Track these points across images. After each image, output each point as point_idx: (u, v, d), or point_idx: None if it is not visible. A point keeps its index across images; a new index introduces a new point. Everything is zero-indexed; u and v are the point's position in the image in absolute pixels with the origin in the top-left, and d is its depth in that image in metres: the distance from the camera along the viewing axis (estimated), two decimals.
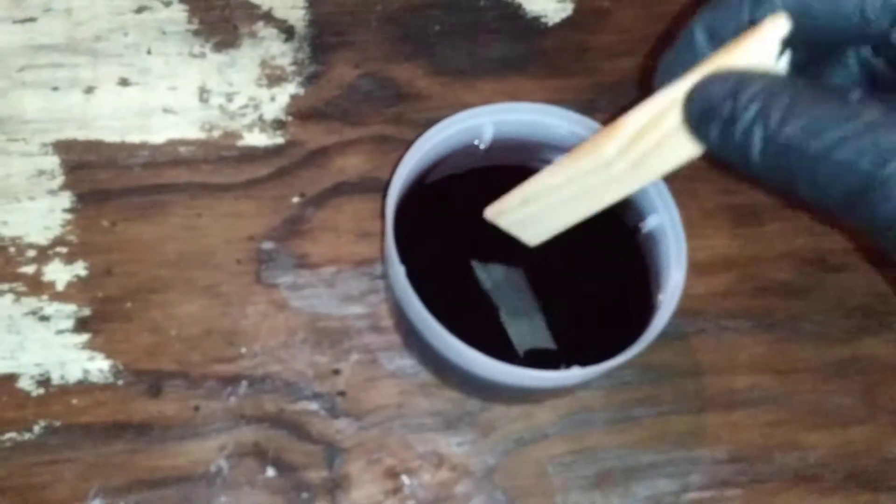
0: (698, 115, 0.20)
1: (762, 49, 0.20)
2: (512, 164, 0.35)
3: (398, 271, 0.31)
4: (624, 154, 0.23)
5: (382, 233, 0.32)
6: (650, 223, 0.34)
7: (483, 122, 0.34)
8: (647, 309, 0.34)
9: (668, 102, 0.21)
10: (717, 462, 0.37)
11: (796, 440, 0.38)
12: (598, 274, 0.35)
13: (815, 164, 0.18)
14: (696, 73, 0.20)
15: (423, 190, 0.34)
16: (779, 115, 0.19)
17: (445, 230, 0.35)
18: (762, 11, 0.21)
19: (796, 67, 0.21)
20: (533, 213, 0.27)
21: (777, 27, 0.20)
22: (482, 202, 0.30)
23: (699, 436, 0.37)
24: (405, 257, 0.31)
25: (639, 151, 0.22)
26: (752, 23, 0.21)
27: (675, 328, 0.39)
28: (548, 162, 0.35)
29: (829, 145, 0.18)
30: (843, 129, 0.18)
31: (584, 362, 0.31)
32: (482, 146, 0.35)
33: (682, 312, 0.39)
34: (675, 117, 0.21)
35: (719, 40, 0.22)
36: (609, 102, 0.42)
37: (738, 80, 0.19)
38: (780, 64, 0.20)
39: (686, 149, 0.21)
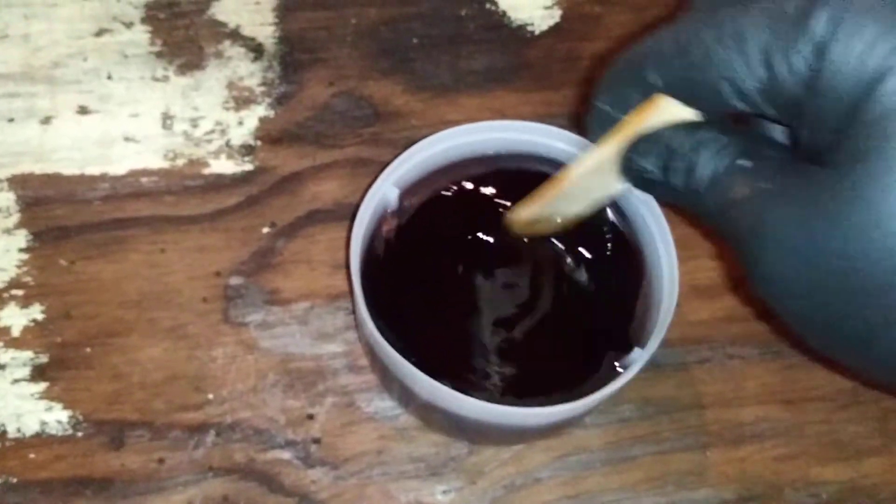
0: (635, 177, 0.26)
1: (666, 113, 0.23)
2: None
3: (370, 326, 0.29)
4: (579, 188, 0.28)
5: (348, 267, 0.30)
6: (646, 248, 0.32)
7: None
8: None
9: (606, 155, 0.26)
10: (724, 502, 0.34)
11: (808, 475, 0.35)
12: (588, 302, 0.33)
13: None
14: (619, 134, 0.25)
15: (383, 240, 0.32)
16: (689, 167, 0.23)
17: (417, 267, 0.32)
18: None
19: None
20: (543, 213, 0.30)
21: (668, 100, 0.23)
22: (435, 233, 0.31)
23: (704, 474, 0.35)
24: (375, 302, 0.29)
25: (588, 187, 0.28)
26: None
27: (676, 358, 0.36)
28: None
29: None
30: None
31: (572, 392, 0.29)
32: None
33: (683, 340, 0.37)
34: (611, 168, 0.26)
35: (624, 108, 0.25)
36: None
37: (664, 143, 0.24)
38: (687, 112, 0.23)
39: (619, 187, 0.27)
